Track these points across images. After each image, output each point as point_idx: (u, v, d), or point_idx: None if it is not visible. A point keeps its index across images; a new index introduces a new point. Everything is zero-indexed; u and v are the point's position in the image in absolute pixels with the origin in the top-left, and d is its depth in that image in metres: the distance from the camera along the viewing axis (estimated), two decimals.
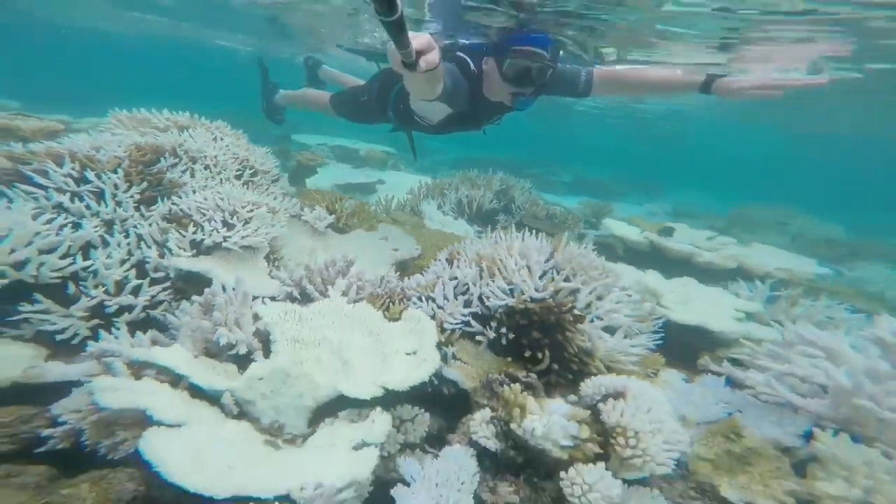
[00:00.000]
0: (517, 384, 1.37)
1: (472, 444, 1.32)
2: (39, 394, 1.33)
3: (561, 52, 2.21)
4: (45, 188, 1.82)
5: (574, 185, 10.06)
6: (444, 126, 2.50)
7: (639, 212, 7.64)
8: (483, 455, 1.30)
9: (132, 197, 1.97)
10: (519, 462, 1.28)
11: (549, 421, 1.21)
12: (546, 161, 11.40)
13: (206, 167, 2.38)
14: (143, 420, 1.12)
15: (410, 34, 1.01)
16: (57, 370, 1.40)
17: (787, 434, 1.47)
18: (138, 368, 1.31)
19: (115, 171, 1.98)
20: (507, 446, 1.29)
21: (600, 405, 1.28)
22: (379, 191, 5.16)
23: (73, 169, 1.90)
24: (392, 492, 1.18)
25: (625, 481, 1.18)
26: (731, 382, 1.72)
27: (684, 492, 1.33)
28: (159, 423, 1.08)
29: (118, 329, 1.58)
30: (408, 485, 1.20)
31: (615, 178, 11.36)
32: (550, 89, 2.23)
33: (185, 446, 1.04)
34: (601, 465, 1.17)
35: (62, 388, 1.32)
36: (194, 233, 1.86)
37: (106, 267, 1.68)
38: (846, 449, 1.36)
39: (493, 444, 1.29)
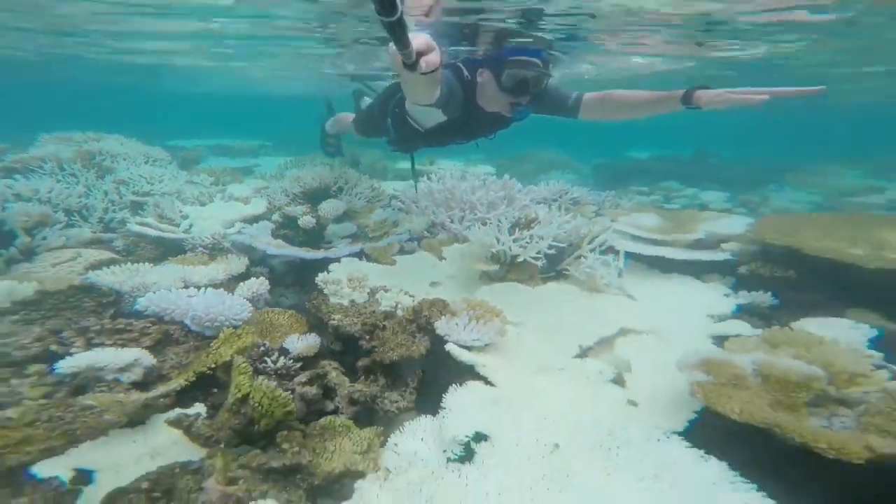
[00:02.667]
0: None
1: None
2: None
3: (552, 66, 2.26)
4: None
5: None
6: (437, 134, 2.47)
7: None
8: None
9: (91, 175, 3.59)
10: None
11: None
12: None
13: (124, 158, 4.00)
14: None
15: (410, 35, 1.01)
16: None
17: None
18: None
19: (75, 164, 3.58)
20: None
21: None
22: (255, 171, 6.78)
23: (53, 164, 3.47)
24: None
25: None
26: None
27: None
28: None
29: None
30: None
31: None
32: (543, 103, 2.24)
33: None
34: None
35: None
36: (133, 191, 3.56)
37: (96, 205, 3.34)
38: None
39: None
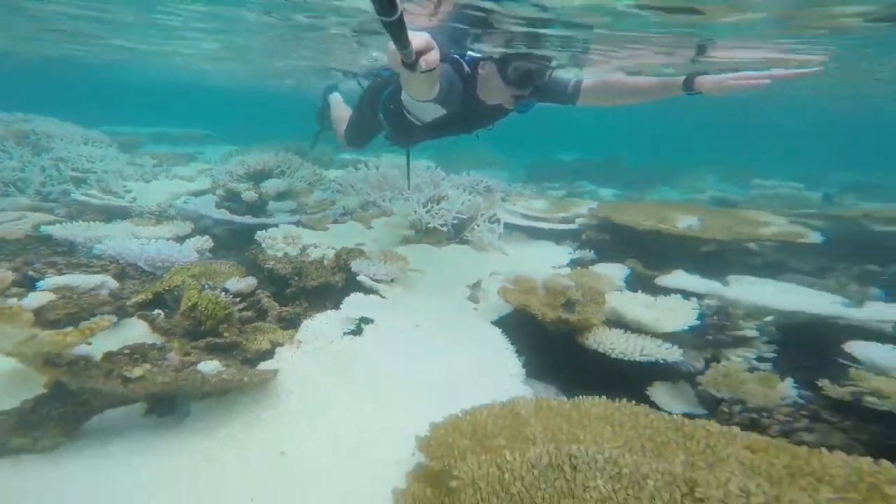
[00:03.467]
0: None
1: None
2: None
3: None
4: None
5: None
6: (435, 127, 2.47)
7: None
8: None
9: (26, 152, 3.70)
10: None
11: None
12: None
13: (61, 139, 4.11)
14: None
15: (410, 34, 1.01)
16: None
17: None
18: None
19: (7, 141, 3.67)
20: None
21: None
22: (199, 157, 6.86)
23: None
24: None
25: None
26: None
27: None
28: None
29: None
30: None
31: None
32: (544, 94, 2.24)
33: None
34: None
35: None
36: (73, 168, 3.72)
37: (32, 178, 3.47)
38: None
39: None
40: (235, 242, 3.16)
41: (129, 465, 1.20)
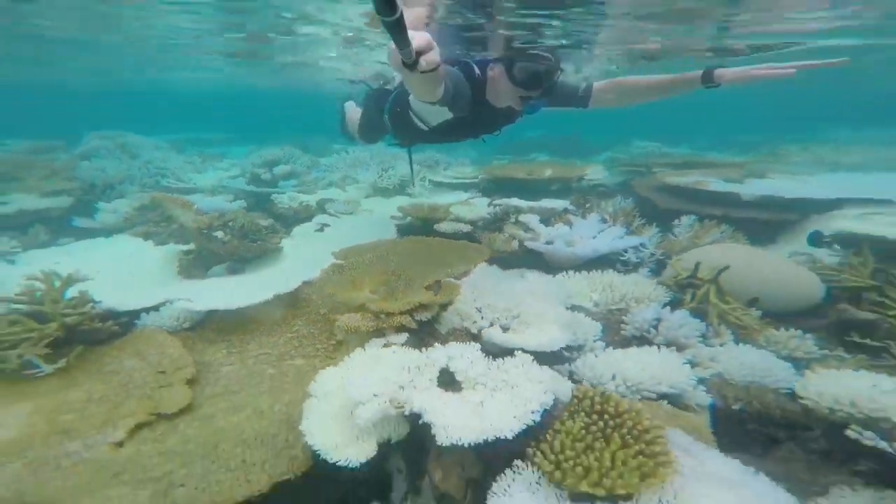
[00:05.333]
0: None
1: None
2: None
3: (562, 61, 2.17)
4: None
5: None
6: (442, 131, 2.46)
7: None
8: None
9: (126, 157, 5.68)
10: None
11: None
12: None
13: (143, 148, 6.08)
14: None
15: (410, 34, 1.01)
16: None
17: None
18: None
19: (117, 150, 5.66)
20: None
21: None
22: (228, 155, 8.84)
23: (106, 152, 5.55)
24: None
25: None
26: None
27: None
28: None
29: None
30: None
31: None
32: (554, 96, 2.23)
33: None
34: None
35: None
36: (156, 167, 5.68)
37: (136, 174, 5.45)
38: None
39: None
40: (258, 202, 5.07)
41: (227, 283, 3.06)
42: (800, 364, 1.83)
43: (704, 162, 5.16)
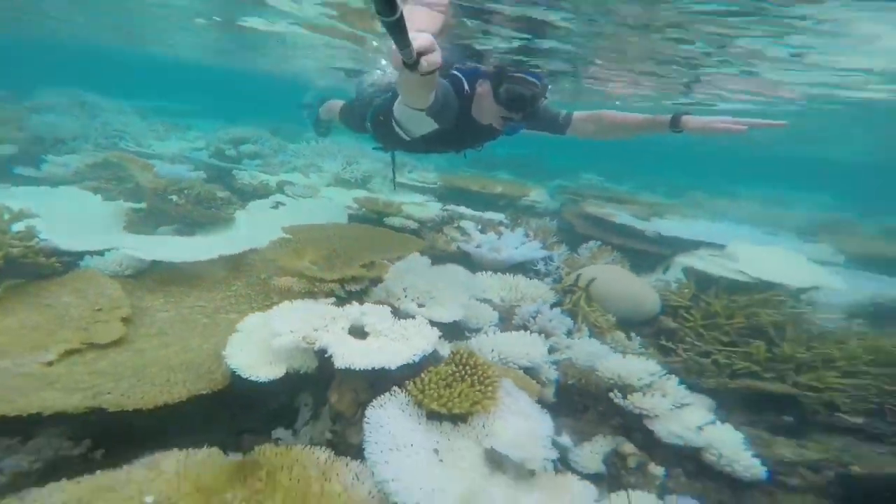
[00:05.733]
0: None
1: None
2: None
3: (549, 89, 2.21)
4: None
5: None
6: (424, 142, 2.46)
7: None
8: None
9: (85, 116, 5.57)
10: None
11: None
12: None
13: (104, 109, 5.98)
14: None
15: (412, 34, 1.01)
16: None
17: None
18: None
19: (75, 108, 5.54)
20: None
21: None
22: (192, 127, 8.71)
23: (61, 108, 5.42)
24: None
25: None
26: None
27: None
28: None
29: None
30: None
31: None
32: (535, 121, 2.28)
33: None
34: None
35: None
36: (115, 129, 5.60)
37: (90, 133, 5.36)
38: None
39: None
40: (219, 176, 5.15)
41: (174, 241, 3.19)
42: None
43: (627, 199, 5.82)
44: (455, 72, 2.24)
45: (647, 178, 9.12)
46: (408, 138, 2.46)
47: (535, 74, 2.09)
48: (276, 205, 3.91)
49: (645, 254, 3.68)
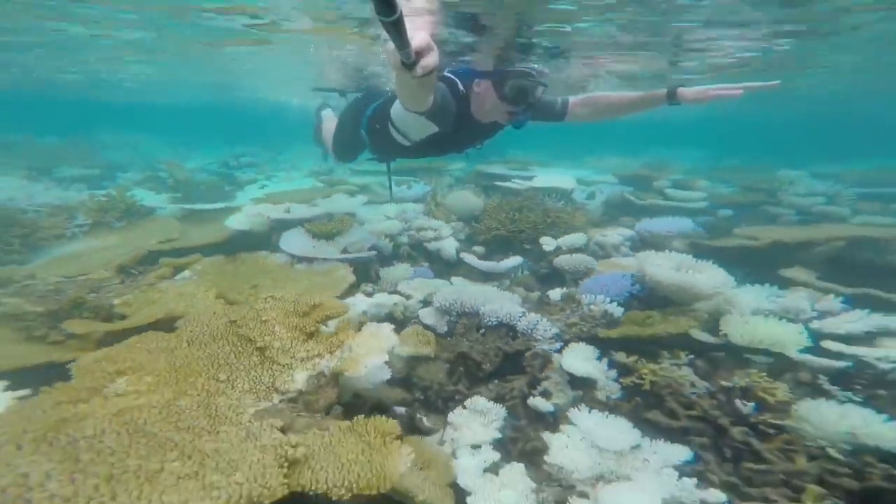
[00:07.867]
0: None
1: None
2: None
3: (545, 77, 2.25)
4: None
5: None
6: (424, 147, 2.46)
7: None
8: None
9: None
10: None
11: None
12: None
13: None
14: None
15: (410, 33, 1.01)
16: None
17: None
18: None
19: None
20: None
21: None
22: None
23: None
24: None
25: None
26: None
27: None
28: None
29: None
30: None
31: None
32: (536, 110, 2.32)
33: None
34: None
35: None
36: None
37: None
38: None
39: None
40: (225, 178, 7.31)
41: (195, 205, 5.29)
42: None
43: (517, 161, 7.52)
44: (448, 74, 2.30)
45: (556, 148, 10.55)
46: (407, 143, 2.49)
47: (530, 66, 2.19)
48: (263, 186, 6.01)
49: (496, 187, 5.58)
